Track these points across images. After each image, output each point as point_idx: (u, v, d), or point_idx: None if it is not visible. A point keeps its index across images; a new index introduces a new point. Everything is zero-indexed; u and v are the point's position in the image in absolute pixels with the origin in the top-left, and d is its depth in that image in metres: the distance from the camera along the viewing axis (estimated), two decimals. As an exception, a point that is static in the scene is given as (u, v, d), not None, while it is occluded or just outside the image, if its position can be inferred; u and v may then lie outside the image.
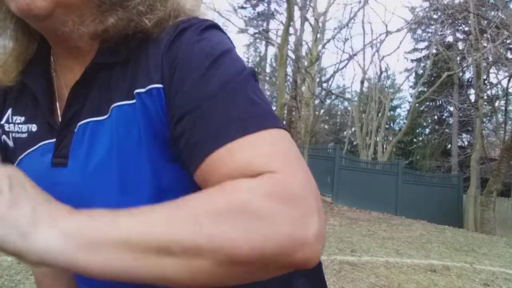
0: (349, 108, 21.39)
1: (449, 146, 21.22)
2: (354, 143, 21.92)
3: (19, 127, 0.53)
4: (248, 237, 0.32)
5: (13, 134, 0.53)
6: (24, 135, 0.52)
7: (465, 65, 15.64)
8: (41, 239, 0.31)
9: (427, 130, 24.72)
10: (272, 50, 25.04)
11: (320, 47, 15.43)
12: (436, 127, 22.59)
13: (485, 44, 12.40)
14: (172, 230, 0.32)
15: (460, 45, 19.00)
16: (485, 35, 12.33)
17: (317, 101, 15.04)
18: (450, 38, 19.56)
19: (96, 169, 0.45)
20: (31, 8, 0.42)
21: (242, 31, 14.69)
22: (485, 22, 13.00)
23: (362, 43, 18.62)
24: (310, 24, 15.18)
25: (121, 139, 0.44)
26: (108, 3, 0.45)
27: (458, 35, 19.82)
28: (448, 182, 13.72)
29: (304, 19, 15.18)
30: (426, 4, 17.86)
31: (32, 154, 0.50)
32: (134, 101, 0.45)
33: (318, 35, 15.10)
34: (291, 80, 15.63)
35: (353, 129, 21.47)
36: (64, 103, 0.49)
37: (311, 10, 15.20)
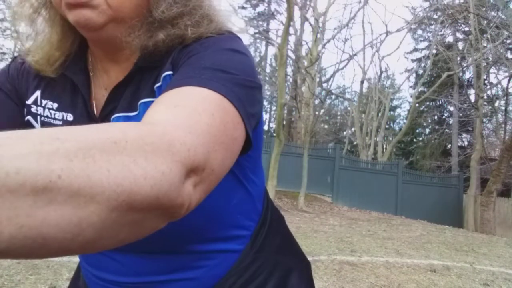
0: (349, 108, 21.39)
1: (449, 146, 21.22)
2: (354, 143, 21.93)
3: (50, 113, 0.55)
4: (148, 174, 0.29)
5: (42, 118, 0.56)
6: (58, 122, 0.55)
7: (465, 65, 15.65)
8: None
9: (427, 130, 24.72)
10: (272, 50, 25.06)
11: (320, 47, 15.42)
12: (436, 127, 22.59)
13: (485, 44, 12.41)
14: (55, 163, 0.25)
15: (460, 45, 18.99)
16: (485, 35, 12.34)
17: (317, 101, 15.03)
18: (450, 38, 19.56)
19: None
20: (88, 22, 0.47)
21: (242, 31, 14.65)
22: (485, 22, 13.00)
23: (362, 43, 18.64)
24: (310, 24, 15.19)
25: None
26: (159, 21, 0.50)
27: (458, 35, 19.81)
28: (448, 182, 13.72)
29: (304, 19, 15.19)
30: (426, 4, 17.87)
31: None
32: (155, 97, 0.50)
33: (318, 35, 15.10)
34: (291, 80, 15.63)
35: (353, 129, 21.47)
36: (98, 100, 0.55)
37: (311, 10, 15.19)
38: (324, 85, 17.35)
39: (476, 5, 12.76)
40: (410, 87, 24.05)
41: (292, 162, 10.91)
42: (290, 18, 8.94)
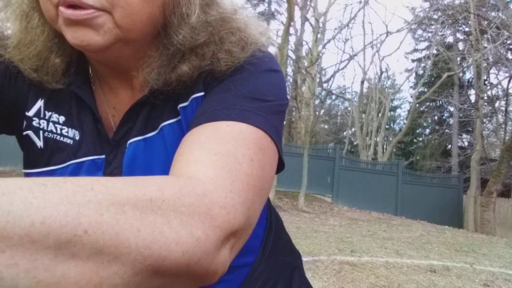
0: (349, 108, 21.39)
1: (449, 146, 21.21)
2: (354, 143, 21.93)
3: (55, 127, 0.49)
4: (181, 239, 0.27)
5: (46, 134, 0.49)
6: (66, 140, 0.48)
7: (465, 65, 15.64)
8: None
9: (427, 131, 24.70)
10: (272, 50, 24.99)
11: (320, 47, 15.42)
12: (436, 127, 22.58)
13: (486, 45, 12.40)
14: (80, 218, 0.23)
15: (461, 46, 19.00)
16: (485, 36, 12.33)
17: (317, 101, 15.04)
18: (450, 39, 19.56)
19: None
20: (89, 45, 0.40)
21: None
22: (486, 22, 12.99)
23: (362, 43, 18.62)
24: (311, 24, 15.19)
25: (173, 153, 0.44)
26: (181, 50, 0.45)
27: (459, 35, 19.81)
28: (448, 183, 13.71)
29: (304, 19, 15.18)
30: (427, 4, 17.87)
31: (78, 165, 0.48)
32: (179, 117, 0.47)
33: (319, 35, 15.10)
34: (291, 80, 15.63)
35: (353, 129, 21.46)
36: (106, 119, 0.49)
37: (311, 10, 15.19)
38: (324, 85, 17.35)
39: (477, 6, 12.75)
40: (410, 87, 24.08)
41: (292, 162, 10.89)
42: (290, 18, 8.94)
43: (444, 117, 22.89)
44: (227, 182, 0.33)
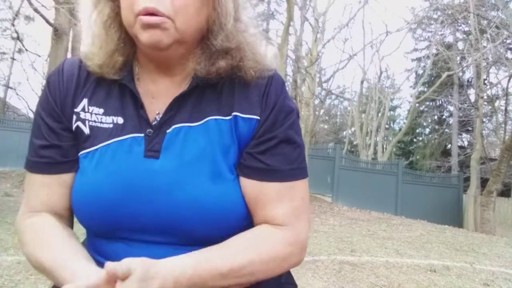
0: (349, 108, 21.39)
1: (449, 146, 21.21)
2: (354, 143, 21.92)
3: (97, 117, 0.62)
4: (269, 273, 0.59)
5: (90, 123, 0.62)
6: (107, 125, 0.61)
7: (465, 65, 15.63)
8: None
9: (427, 130, 24.70)
10: (272, 50, 24.94)
11: (320, 47, 15.42)
12: (436, 127, 22.58)
13: (485, 44, 12.40)
14: (240, 263, 0.56)
15: (460, 45, 18.99)
16: (485, 35, 12.33)
17: (317, 101, 15.04)
18: (450, 38, 19.55)
19: (192, 161, 0.58)
20: (159, 43, 0.55)
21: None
22: (485, 22, 12.99)
23: (362, 43, 18.61)
24: (310, 24, 15.18)
25: (214, 143, 0.59)
26: (218, 51, 0.60)
27: (458, 35, 19.81)
28: (448, 182, 13.71)
29: (304, 19, 15.17)
30: (426, 4, 17.85)
31: (120, 142, 0.60)
32: (230, 117, 0.61)
33: (318, 35, 15.09)
34: (291, 80, 15.62)
35: (353, 129, 21.46)
36: (147, 106, 0.62)
37: (311, 10, 15.19)
38: (324, 85, 17.34)
39: (476, 5, 12.75)
40: (410, 87, 24.04)
41: (292, 162, 10.89)
42: (290, 18, 8.94)
43: (444, 117, 22.89)
44: (304, 226, 0.62)
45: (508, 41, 13.16)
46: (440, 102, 21.99)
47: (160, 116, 0.61)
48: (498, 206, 11.61)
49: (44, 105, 0.63)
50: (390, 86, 24.03)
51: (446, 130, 20.63)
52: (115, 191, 0.57)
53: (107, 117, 0.61)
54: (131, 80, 0.62)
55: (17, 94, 18.02)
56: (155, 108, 0.62)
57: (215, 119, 0.60)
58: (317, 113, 14.29)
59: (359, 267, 3.96)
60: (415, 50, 23.53)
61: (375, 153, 18.03)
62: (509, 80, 12.90)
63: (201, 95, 0.62)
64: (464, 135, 21.04)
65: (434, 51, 16.99)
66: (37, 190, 0.62)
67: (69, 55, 10.11)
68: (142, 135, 0.60)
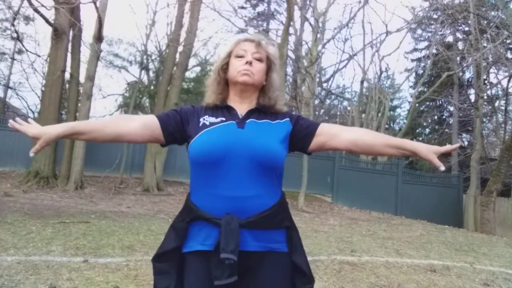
0: (349, 108, 21.38)
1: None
2: (354, 143, 21.79)
3: (211, 119, 1.19)
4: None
5: (208, 122, 1.20)
6: (217, 120, 1.18)
7: (465, 65, 15.63)
8: None
9: (427, 130, 24.69)
10: (272, 50, 24.92)
11: (320, 47, 15.42)
12: (436, 127, 22.58)
13: (485, 44, 12.40)
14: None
15: (460, 45, 18.97)
16: (485, 35, 12.33)
17: (317, 101, 15.03)
18: (450, 38, 19.53)
19: (257, 132, 1.16)
20: (247, 82, 1.19)
21: (242, 31, 14.69)
22: (485, 22, 12.99)
23: (362, 43, 18.60)
24: (310, 24, 15.18)
25: (275, 127, 1.20)
26: (266, 93, 1.25)
27: (458, 35, 19.80)
28: (448, 182, 13.71)
29: (304, 19, 15.18)
30: (426, 4, 17.85)
31: (226, 124, 1.17)
32: (273, 121, 1.23)
33: (318, 35, 15.09)
34: (291, 80, 15.63)
35: (353, 129, 21.33)
36: (239, 114, 1.22)
37: (311, 10, 15.19)
38: (324, 85, 17.35)
39: (476, 5, 12.75)
40: (410, 87, 24.02)
41: (292, 162, 10.87)
42: (290, 18, 8.94)
43: (444, 117, 22.89)
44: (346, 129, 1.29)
45: (508, 41, 13.16)
46: (440, 102, 21.98)
47: (242, 116, 1.21)
48: (498, 206, 11.61)
49: (182, 112, 1.25)
50: (390, 86, 24.04)
51: (446, 130, 20.63)
52: (225, 139, 1.12)
53: (217, 119, 1.19)
54: (227, 104, 1.25)
55: (17, 94, 17.97)
56: (240, 115, 1.23)
57: (268, 121, 1.22)
58: (317, 113, 14.28)
59: (359, 267, 3.96)
60: (415, 50, 23.53)
61: (375, 153, 17.98)
62: (509, 80, 12.91)
63: (259, 111, 1.23)
64: (464, 135, 21.04)
65: (434, 51, 16.98)
66: (147, 118, 1.21)
67: (68, 55, 10.12)
68: (235, 121, 1.18)
